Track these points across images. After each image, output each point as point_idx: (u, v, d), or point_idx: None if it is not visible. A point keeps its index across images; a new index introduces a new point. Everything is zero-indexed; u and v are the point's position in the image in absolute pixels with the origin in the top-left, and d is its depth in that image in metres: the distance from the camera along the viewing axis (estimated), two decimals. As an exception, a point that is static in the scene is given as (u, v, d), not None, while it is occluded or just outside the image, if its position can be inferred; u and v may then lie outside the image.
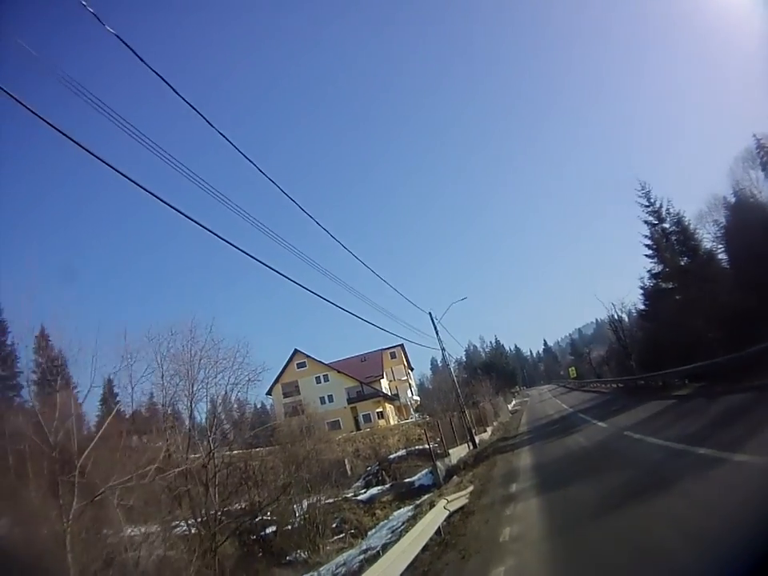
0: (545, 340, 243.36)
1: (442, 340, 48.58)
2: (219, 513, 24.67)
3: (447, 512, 16.98)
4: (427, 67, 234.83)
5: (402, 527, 21.35)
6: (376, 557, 14.84)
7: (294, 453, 31.99)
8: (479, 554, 12.65)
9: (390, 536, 21.57)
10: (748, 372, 24.63)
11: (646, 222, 45.01)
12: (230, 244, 12.81)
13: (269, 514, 28.64)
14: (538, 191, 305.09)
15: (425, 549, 14.23)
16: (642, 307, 51.67)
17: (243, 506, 27.95)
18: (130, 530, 22.26)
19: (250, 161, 14.81)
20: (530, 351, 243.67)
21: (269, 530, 28.37)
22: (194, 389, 27.29)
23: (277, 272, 15.46)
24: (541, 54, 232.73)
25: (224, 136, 13.48)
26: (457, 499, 19.28)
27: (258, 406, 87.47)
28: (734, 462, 12.00)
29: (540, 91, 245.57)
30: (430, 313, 47.91)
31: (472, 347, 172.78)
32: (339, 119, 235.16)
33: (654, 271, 45.36)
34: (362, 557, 19.75)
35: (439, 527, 15.68)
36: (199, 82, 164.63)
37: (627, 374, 56.22)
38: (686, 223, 43.51)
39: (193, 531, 23.93)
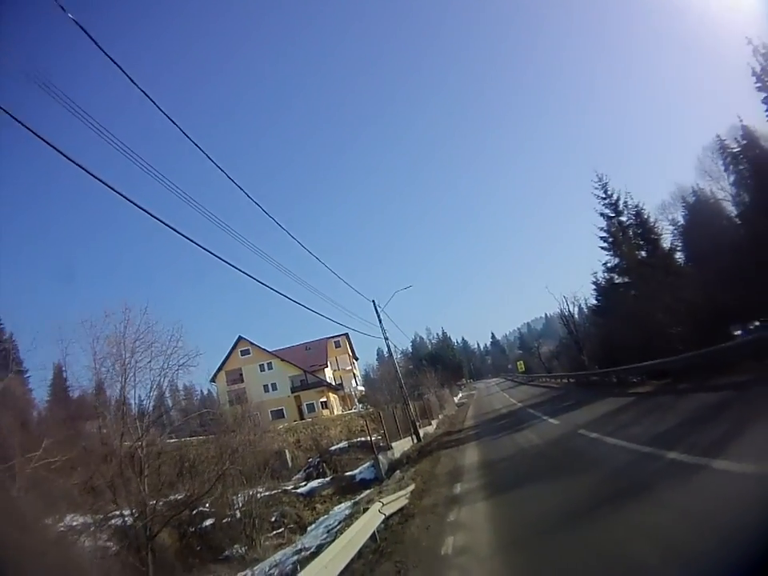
0: (493, 333, 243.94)
1: (387, 330, 46.52)
2: (154, 503, 23.76)
3: (383, 516, 15.20)
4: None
5: (339, 526, 20.14)
6: (309, 559, 13.75)
7: (228, 443, 30.19)
8: (417, 569, 11.07)
9: (325, 536, 20.25)
10: (718, 369, 23.23)
11: (602, 214, 44.30)
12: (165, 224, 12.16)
13: (207, 505, 27.94)
14: (493, 182, 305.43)
15: (359, 555, 12.65)
16: (595, 302, 51.15)
17: (179, 497, 26.41)
18: (69, 519, 23.49)
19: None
20: (478, 344, 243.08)
21: (207, 523, 27.88)
22: (127, 373, 26.29)
23: (218, 258, 14.72)
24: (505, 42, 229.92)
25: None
26: (396, 500, 17.64)
27: (205, 392, 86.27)
28: (714, 469, 10.40)
29: (503, 77, 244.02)
30: (373, 301, 45.88)
31: (418, 338, 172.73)
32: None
33: (609, 264, 44.41)
34: (296, 557, 18.26)
35: (374, 532, 13.91)
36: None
37: (578, 369, 55.26)
38: (646, 216, 42.84)
39: (128, 522, 23.38)
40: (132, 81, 11.27)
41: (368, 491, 27.03)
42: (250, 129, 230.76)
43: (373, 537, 13.82)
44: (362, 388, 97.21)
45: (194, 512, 27.22)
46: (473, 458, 25.45)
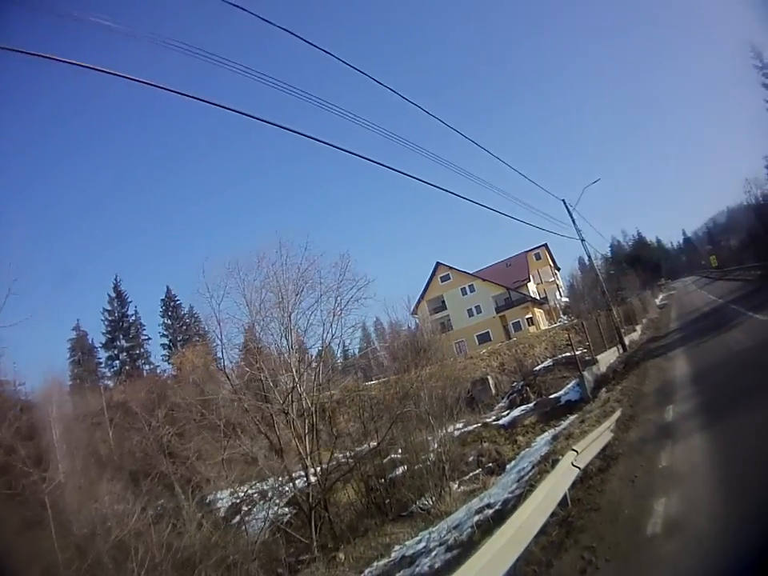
0: (683, 230, 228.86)
1: (583, 232, 42.67)
2: (330, 461, 23.61)
3: (577, 470, 11.78)
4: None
5: (532, 472, 16.75)
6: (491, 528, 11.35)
7: (411, 379, 27.28)
8: (610, 564, 7.75)
9: (515, 486, 16.74)
10: None
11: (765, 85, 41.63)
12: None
13: (400, 451, 25.77)
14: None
15: (542, 531, 9.33)
16: None
17: (361, 449, 25.49)
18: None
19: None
20: (671, 243, 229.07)
21: (398, 472, 25.27)
22: (292, 320, 25.81)
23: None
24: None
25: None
26: (597, 438, 13.72)
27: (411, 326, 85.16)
28: None
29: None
30: (563, 200, 41.74)
31: (616, 242, 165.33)
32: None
33: None
34: (477, 517, 15.10)
35: (565, 494, 10.63)
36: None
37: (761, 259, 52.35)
38: None
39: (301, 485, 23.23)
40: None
41: (572, 417, 23.64)
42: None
43: (563, 501, 10.54)
44: (566, 299, 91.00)
45: (385, 460, 25.28)
46: (682, 368, 22.22)
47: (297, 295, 25.33)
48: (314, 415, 24.27)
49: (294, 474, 23.25)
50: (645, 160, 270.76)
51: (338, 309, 25.92)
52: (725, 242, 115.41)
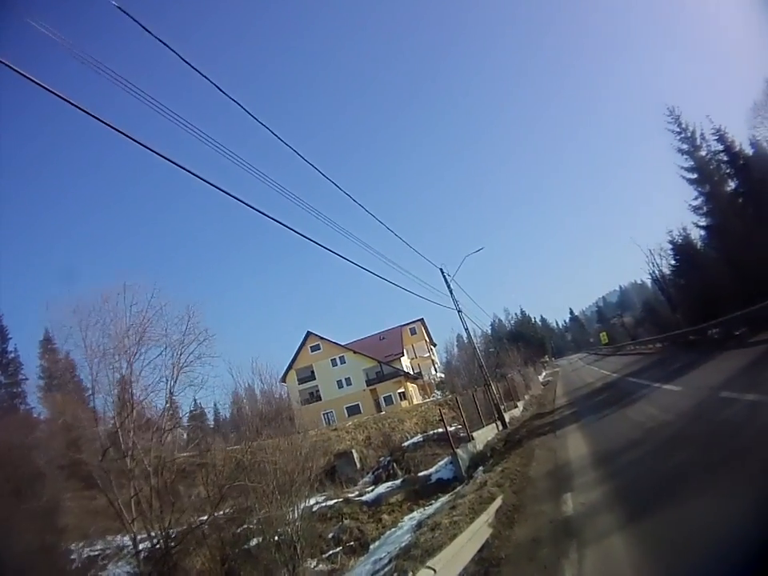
0: (571, 309, 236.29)
1: (462, 305, 40.68)
2: (173, 525, 20.48)
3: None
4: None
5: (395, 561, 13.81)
6: None
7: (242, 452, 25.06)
8: None
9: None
10: None
11: (680, 150, 40.07)
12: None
13: (254, 522, 22.42)
14: (561, 147, 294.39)
15: None
16: (674, 261, 50.58)
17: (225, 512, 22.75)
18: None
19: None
20: (556, 322, 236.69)
21: (254, 542, 22.41)
22: (133, 369, 22.06)
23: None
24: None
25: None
26: (469, 541, 9.95)
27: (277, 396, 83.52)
28: None
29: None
30: (441, 268, 39.57)
31: (497, 320, 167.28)
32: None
33: (697, 205, 40.41)
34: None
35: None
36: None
37: (670, 330, 51.08)
38: (730, 140, 37.95)
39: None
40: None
41: (444, 498, 21.96)
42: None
43: None
44: (442, 375, 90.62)
45: (239, 529, 22.57)
46: (579, 448, 18.16)
47: (138, 344, 21.88)
48: (157, 475, 20.90)
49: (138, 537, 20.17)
50: (535, 242, 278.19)
51: (180, 364, 22.78)
52: (617, 318, 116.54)
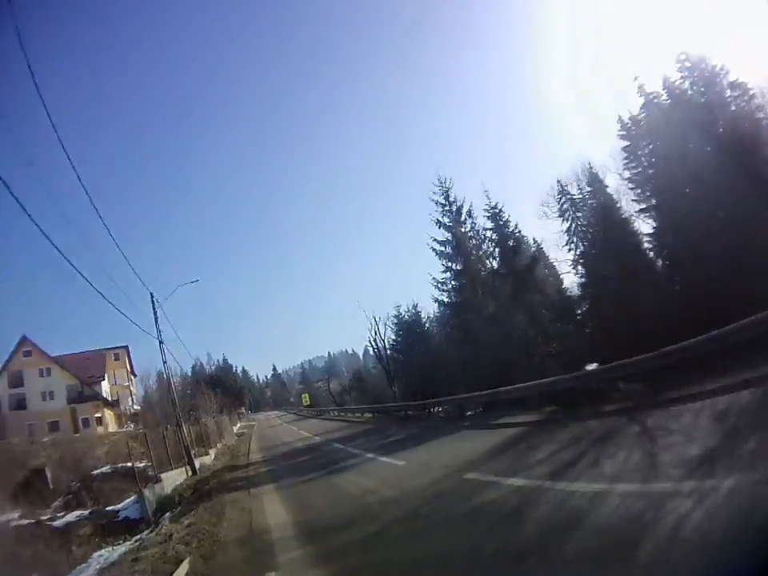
0: (274, 365, 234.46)
1: (167, 342, 41.72)
2: None
3: None
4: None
5: None
6: None
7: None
8: None
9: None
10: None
11: (438, 222, 39.85)
12: None
13: None
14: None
15: None
16: (401, 333, 51.94)
17: None
18: None
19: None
20: (257, 376, 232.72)
21: None
22: None
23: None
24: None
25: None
26: None
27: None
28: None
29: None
30: (151, 294, 38.63)
31: (199, 362, 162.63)
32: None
33: (442, 280, 39.92)
34: None
35: None
36: None
37: (381, 401, 52.89)
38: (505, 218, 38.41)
39: None
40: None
41: (129, 542, 20.45)
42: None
43: None
44: (138, 407, 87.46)
45: None
46: (278, 513, 15.22)
47: None
48: None
49: None
50: (263, 291, 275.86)
51: None
52: (323, 382, 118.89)
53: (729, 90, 31.06)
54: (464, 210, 39.07)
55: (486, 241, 38.66)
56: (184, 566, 11.06)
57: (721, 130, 30.29)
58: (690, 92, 31.99)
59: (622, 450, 10.99)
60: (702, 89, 31.35)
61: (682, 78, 32.30)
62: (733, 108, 30.82)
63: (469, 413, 30.26)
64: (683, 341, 16.76)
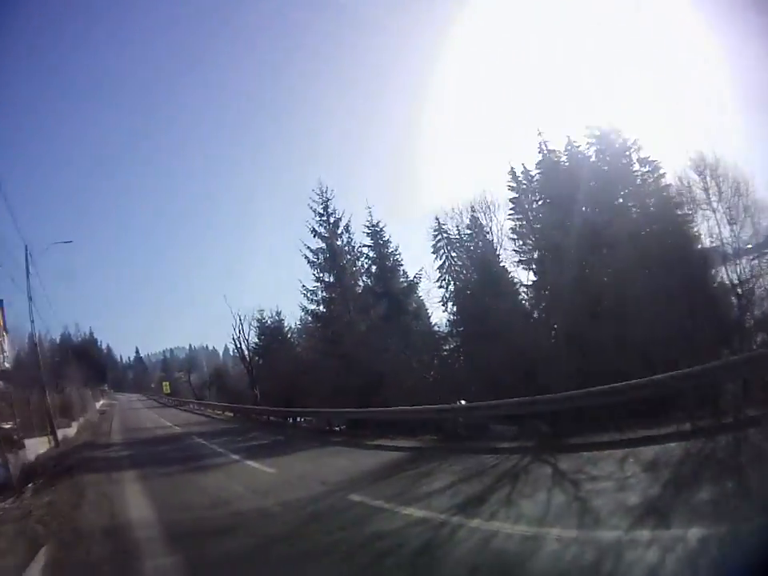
0: (137, 348, 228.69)
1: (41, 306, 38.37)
2: None
3: None
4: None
5: None
6: None
7: None
8: None
9: None
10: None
11: (314, 231, 40.19)
12: None
13: None
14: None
15: None
16: (262, 338, 52.74)
17: None
18: None
19: None
20: (120, 357, 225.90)
21: None
22: None
23: None
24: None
25: None
26: None
27: None
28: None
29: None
30: (26, 246, 38.23)
31: (68, 332, 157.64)
32: None
33: (312, 288, 40.35)
34: None
35: None
36: None
37: (242, 402, 52.62)
38: (385, 238, 39.54)
39: None
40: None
41: None
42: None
43: None
44: (8, 365, 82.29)
45: None
46: (142, 507, 13.90)
47: None
48: None
49: None
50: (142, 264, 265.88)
51: None
52: (183, 373, 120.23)
53: (637, 165, 31.57)
54: (342, 224, 39.52)
55: (363, 258, 39.38)
56: (41, 554, 10.07)
57: (620, 200, 31.06)
58: (593, 159, 32.50)
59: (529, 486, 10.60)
60: (608, 158, 31.88)
61: (588, 144, 32.76)
62: (638, 182, 31.35)
63: (336, 428, 30.01)
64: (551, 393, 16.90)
